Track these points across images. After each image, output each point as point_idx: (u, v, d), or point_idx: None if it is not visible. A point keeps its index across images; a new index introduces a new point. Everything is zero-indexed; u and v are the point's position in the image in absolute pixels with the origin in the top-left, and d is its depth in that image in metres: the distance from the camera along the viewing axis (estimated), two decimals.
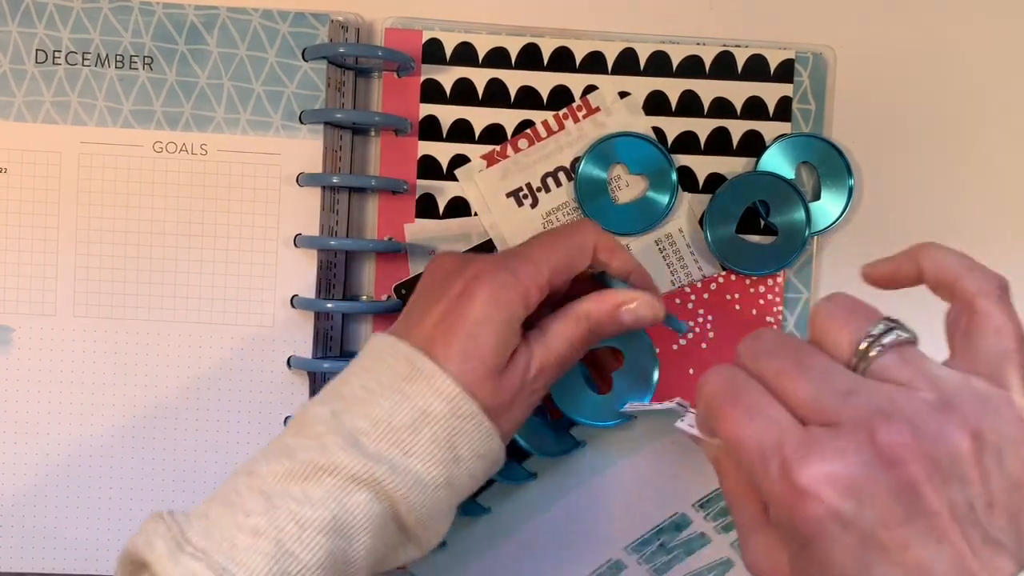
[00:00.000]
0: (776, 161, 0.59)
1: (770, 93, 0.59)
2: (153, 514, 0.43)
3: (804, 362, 0.37)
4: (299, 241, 0.57)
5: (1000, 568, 0.34)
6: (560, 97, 0.59)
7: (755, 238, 0.60)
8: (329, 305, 0.57)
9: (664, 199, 0.59)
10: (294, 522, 0.41)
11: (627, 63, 0.59)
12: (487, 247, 0.59)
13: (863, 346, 0.37)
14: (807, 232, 0.59)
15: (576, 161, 0.59)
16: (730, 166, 0.59)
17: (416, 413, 0.44)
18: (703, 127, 0.59)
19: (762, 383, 0.38)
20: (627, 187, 0.59)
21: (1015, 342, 0.38)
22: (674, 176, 0.59)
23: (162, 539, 0.41)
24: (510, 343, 0.46)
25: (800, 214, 0.58)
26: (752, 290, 0.60)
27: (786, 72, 0.59)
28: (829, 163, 0.59)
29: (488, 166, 0.59)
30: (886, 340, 0.37)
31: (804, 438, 0.36)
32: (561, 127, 0.59)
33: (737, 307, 0.60)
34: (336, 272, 0.59)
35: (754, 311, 0.60)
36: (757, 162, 0.59)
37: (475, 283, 0.46)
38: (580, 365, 0.51)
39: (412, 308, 0.48)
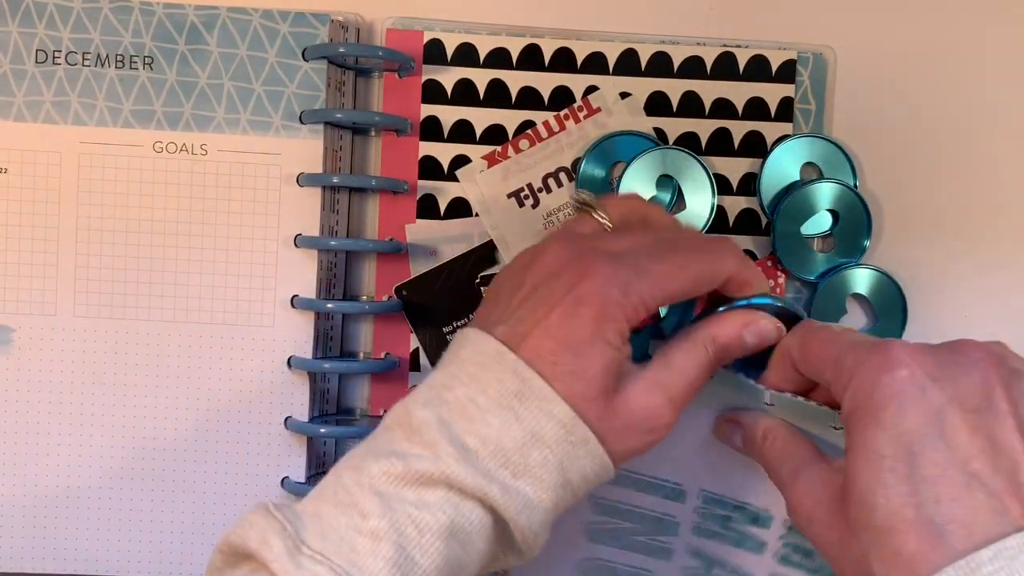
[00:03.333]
0: (782, 162, 0.59)
1: (772, 94, 0.59)
2: (258, 506, 0.41)
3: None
4: (299, 241, 0.57)
5: None
6: (561, 97, 0.59)
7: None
8: (329, 305, 0.57)
9: (666, 198, 0.59)
10: (413, 526, 0.39)
11: (628, 64, 0.59)
12: (488, 248, 0.59)
13: None
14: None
15: (577, 162, 0.59)
16: (731, 166, 0.59)
17: (527, 435, 0.42)
18: (704, 128, 0.59)
19: None
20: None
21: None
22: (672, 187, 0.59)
23: (279, 538, 0.39)
24: (615, 362, 0.43)
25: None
26: None
27: (788, 73, 0.59)
28: (833, 163, 0.59)
29: (489, 166, 0.59)
30: None
31: (897, 341, 0.41)
32: (562, 127, 0.59)
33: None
34: (336, 272, 0.59)
35: None
36: (763, 163, 0.59)
37: (582, 295, 0.43)
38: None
39: (515, 303, 0.45)
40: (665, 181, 0.59)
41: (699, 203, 0.59)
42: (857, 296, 0.60)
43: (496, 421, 0.41)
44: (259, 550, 0.39)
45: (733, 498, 0.52)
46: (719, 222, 0.59)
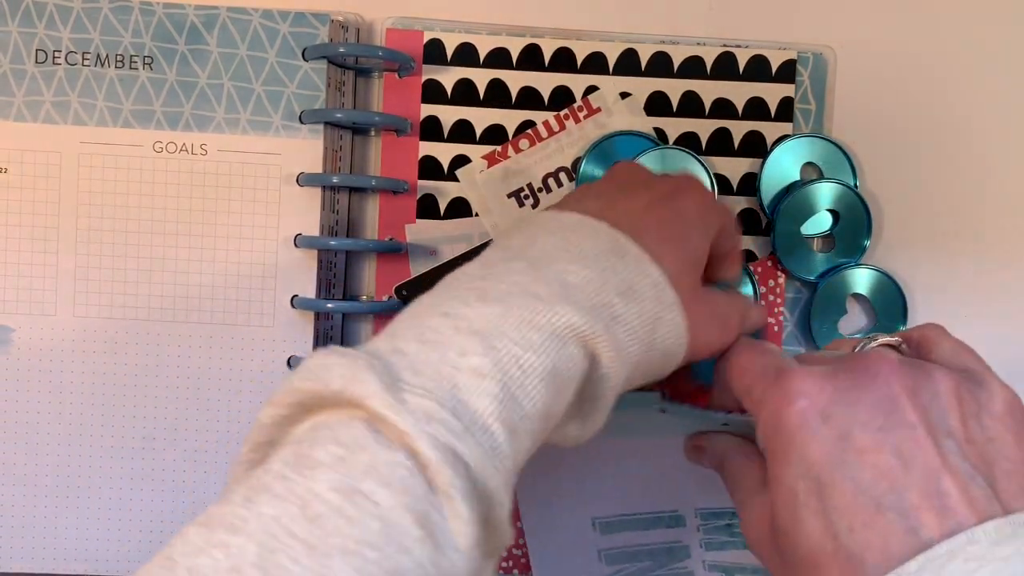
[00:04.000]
0: (782, 161, 0.59)
1: (772, 94, 0.59)
2: (321, 352, 0.36)
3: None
4: (299, 241, 0.57)
5: (976, 498, 0.35)
6: (561, 97, 0.59)
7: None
8: (329, 305, 0.57)
9: None
10: (517, 366, 0.36)
11: (628, 64, 0.59)
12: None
13: (856, 349, 0.41)
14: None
15: (577, 162, 0.59)
16: (731, 167, 0.59)
17: (626, 284, 0.40)
18: (704, 128, 0.59)
19: None
20: None
21: (971, 350, 0.42)
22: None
23: (371, 373, 0.34)
24: (705, 257, 0.44)
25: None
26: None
27: (788, 72, 0.59)
28: (833, 163, 0.59)
29: (489, 166, 0.59)
30: (876, 341, 0.41)
31: (802, 362, 0.41)
32: (562, 127, 0.59)
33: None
34: (336, 272, 0.59)
35: None
36: (763, 163, 0.59)
37: (690, 188, 0.45)
38: None
39: (604, 194, 0.44)
40: None
41: None
42: (857, 296, 0.60)
43: (595, 266, 0.40)
44: (348, 388, 0.34)
45: (727, 506, 0.52)
46: None
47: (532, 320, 0.37)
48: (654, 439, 0.51)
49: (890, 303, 0.59)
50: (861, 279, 0.59)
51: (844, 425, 0.37)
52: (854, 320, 0.60)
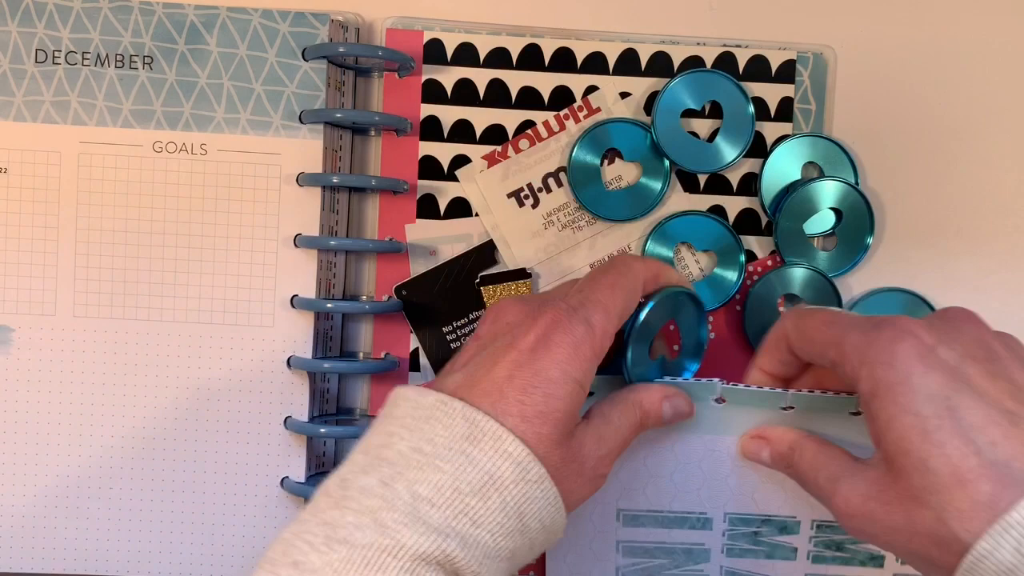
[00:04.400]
0: (783, 161, 0.59)
1: (772, 94, 0.59)
2: None
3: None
4: (299, 241, 0.57)
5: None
6: (561, 97, 0.59)
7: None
8: (329, 305, 0.57)
9: (657, 186, 0.59)
10: None
11: (628, 64, 0.59)
12: (488, 247, 0.59)
13: None
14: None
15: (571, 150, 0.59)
16: (734, 166, 0.59)
17: (484, 477, 0.39)
18: (704, 128, 0.59)
19: None
20: (620, 176, 0.59)
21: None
22: (667, 163, 0.59)
23: None
24: (580, 404, 0.43)
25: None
26: (749, 281, 0.60)
27: (787, 73, 0.59)
28: (834, 163, 0.59)
29: (489, 166, 0.59)
30: None
31: (891, 316, 0.43)
32: (562, 127, 0.59)
33: (738, 308, 0.60)
34: (336, 272, 0.59)
35: None
36: (764, 162, 0.59)
37: (551, 336, 0.42)
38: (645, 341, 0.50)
39: (471, 362, 0.44)
40: (659, 168, 0.59)
41: None
42: (790, 296, 0.60)
43: (448, 467, 0.39)
44: None
45: (758, 513, 0.52)
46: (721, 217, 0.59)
47: (379, 561, 0.37)
48: (709, 435, 0.51)
49: (826, 301, 0.60)
50: (795, 278, 0.59)
51: (956, 356, 0.40)
52: None
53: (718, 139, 0.59)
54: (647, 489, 0.52)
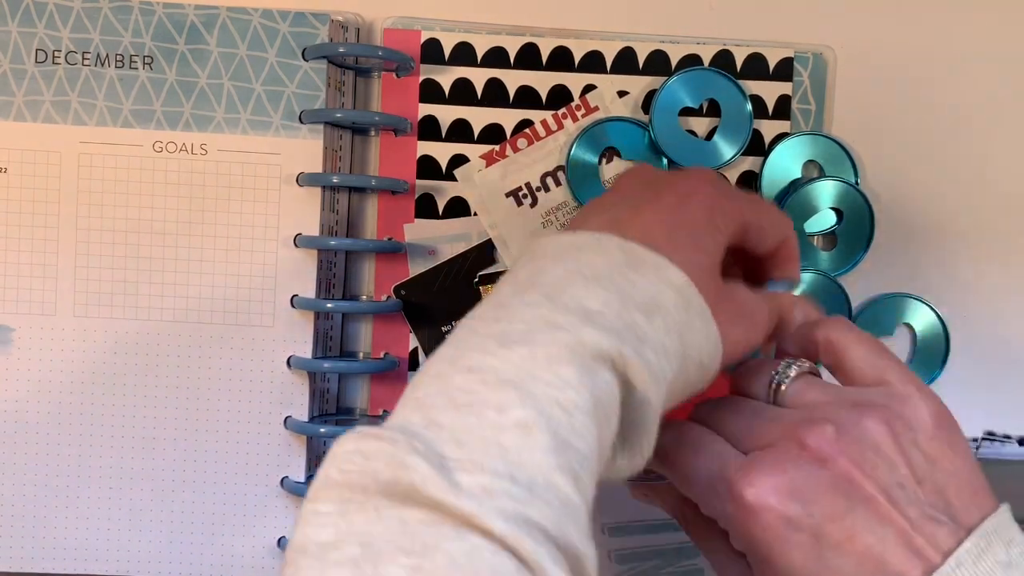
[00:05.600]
0: (783, 159, 0.59)
1: (769, 91, 0.59)
2: (351, 436, 0.33)
3: (737, 407, 0.42)
4: (299, 241, 0.57)
5: (942, 540, 0.37)
6: (559, 96, 0.59)
7: None
8: (329, 305, 0.57)
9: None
10: (560, 409, 0.34)
11: (626, 63, 0.59)
12: (487, 247, 0.59)
13: (773, 384, 0.42)
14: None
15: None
16: (733, 164, 0.59)
17: (647, 299, 0.37)
18: (702, 126, 0.59)
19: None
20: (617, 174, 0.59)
21: (883, 353, 0.42)
22: (665, 162, 0.59)
23: (419, 457, 0.31)
24: (723, 254, 0.42)
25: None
26: None
27: (785, 70, 0.59)
28: (834, 162, 0.59)
29: (487, 166, 0.59)
30: (791, 372, 0.41)
31: (744, 460, 0.39)
32: (560, 127, 0.59)
33: None
34: (336, 272, 0.59)
35: None
36: (765, 160, 0.59)
37: (694, 194, 0.42)
38: None
39: (612, 208, 0.42)
40: (656, 166, 0.59)
41: None
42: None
43: (612, 286, 0.37)
44: (398, 476, 0.31)
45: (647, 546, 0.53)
46: None
47: (561, 355, 0.34)
48: None
49: (837, 307, 0.60)
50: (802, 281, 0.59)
51: (814, 524, 0.37)
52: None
53: (716, 137, 0.59)
54: (626, 504, 0.52)
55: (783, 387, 0.41)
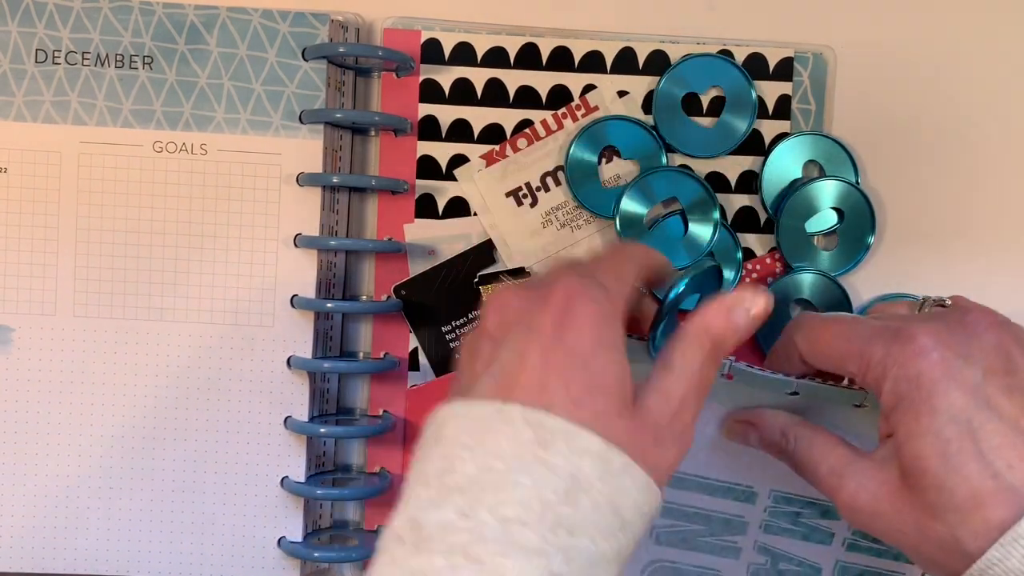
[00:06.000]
0: (784, 159, 0.59)
1: (769, 91, 0.59)
2: None
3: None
4: (299, 241, 0.57)
5: None
6: (559, 96, 0.59)
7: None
8: (329, 305, 0.57)
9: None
10: None
11: (626, 62, 0.59)
12: (487, 247, 0.59)
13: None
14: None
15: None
16: (729, 164, 0.59)
17: (568, 481, 0.35)
18: (706, 119, 0.59)
19: None
20: (617, 175, 0.59)
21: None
22: (664, 159, 0.59)
23: None
24: (624, 369, 0.39)
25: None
26: (749, 279, 0.60)
27: (785, 70, 0.59)
28: (835, 161, 0.59)
29: (487, 166, 0.59)
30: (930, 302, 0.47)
31: (907, 321, 0.43)
32: (560, 126, 0.59)
33: None
34: (336, 272, 0.59)
35: None
36: (765, 160, 0.59)
37: (571, 308, 0.39)
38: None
39: (495, 361, 0.39)
40: (657, 165, 0.59)
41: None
42: (801, 301, 0.60)
43: (527, 479, 0.35)
44: None
45: (804, 495, 0.52)
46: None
47: None
48: (725, 407, 0.50)
49: (839, 308, 0.60)
50: (803, 283, 0.59)
51: (977, 372, 0.40)
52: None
53: (720, 121, 0.59)
54: (698, 454, 0.50)
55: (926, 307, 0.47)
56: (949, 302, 0.46)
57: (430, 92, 0.59)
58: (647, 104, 0.59)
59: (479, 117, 0.59)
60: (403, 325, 0.59)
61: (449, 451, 0.37)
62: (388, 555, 0.36)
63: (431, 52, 0.59)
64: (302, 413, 0.57)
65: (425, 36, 0.59)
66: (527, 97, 0.59)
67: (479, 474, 0.36)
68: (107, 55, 0.57)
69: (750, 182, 0.59)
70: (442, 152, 0.59)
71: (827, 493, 0.45)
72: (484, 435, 0.36)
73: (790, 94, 0.59)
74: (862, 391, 0.47)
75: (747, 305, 0.42)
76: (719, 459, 0.51)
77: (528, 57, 0.59)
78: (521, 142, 0.59)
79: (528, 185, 0.59)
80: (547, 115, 0.59)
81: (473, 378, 0.40)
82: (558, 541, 0.35)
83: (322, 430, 0.57)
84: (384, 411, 0.60)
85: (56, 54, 0.57)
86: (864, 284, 0.60)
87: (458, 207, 0.59)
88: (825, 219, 0.59)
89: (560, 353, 0.38)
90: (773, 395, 0.49)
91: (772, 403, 0.49)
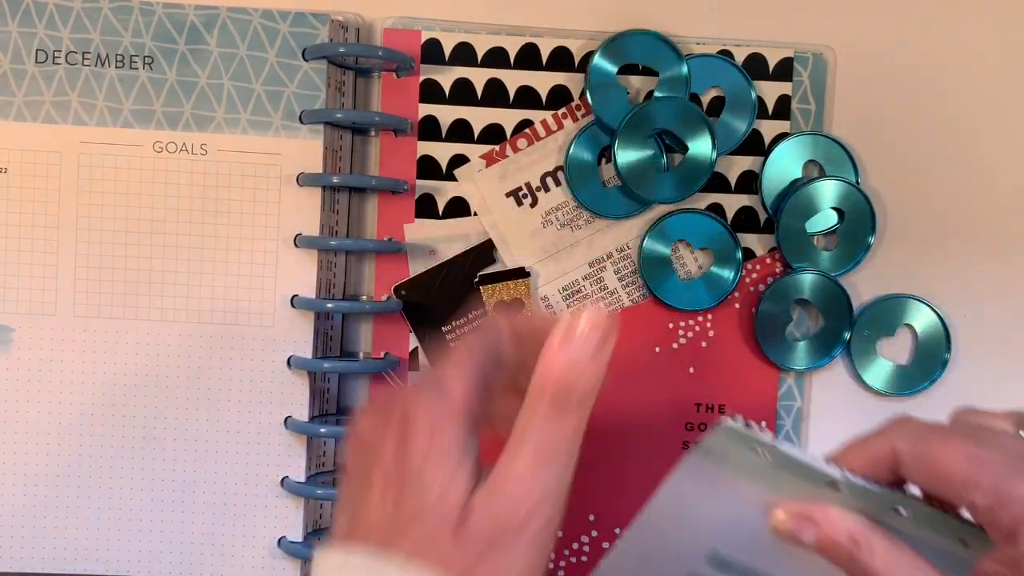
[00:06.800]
0: (784, 159, 0.59)
1: (769, 91, 0.59)
2: None
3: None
4: (299, 241, 0.57)
5: None
6: (559, 96, 0.59)
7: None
8: (329, 305, 0.57)
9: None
10: None
11: None
12: (487, 247, 0.59)
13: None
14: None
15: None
16: (729, 164, 0.59)
17: None
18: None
19: None
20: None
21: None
22: (663, 160, 0.59)
23: None
24: (459, 472, 0.37)
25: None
26: (749, 279, 0.60)
27: (784, 70, 0.59)
28: (835, 162, 0.59)
29: (487, 166, 0.59)
30: None
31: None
32: (560, 127, 0.59)
33: (737, 306, 0.60)
34: (336, 272, 0.59)
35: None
36: (765, 160, 0.59)
37: (407, 430, 0.38)
38: None
39: (348, 500, 0.40)
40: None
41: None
42: (801, 302, 0.60)
43: None
44: None
45: None
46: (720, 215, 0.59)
47: None
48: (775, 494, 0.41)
49: (839, 308, 0.59)
50: (804, 284, 0.59)
51: None
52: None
53: (720, 121, 0.59)
54: (748, 540, 0.42)
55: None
56: None
57: (430, 92, 0.59)
58: None
59: (479, 117, 0.59)
60: (403, 325, 0.59)
61: None
62: None
63: (431, 52, 0.59)
64: (302, 413, 0.57)
65: (425, 36, 0.59)
66: (527, 97, 0.59)
67: None
68: (107, 55, 0.57)
69: (750, 182, 0.60)
70: (442, 152, 0.59)
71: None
72: None
73: (790, 94, 0.59)
74: (978, 527, 0.39)
75: (579, 328, 0.38)
76: (770, 549, 0.42)
77: (528, 57, 0.59)
78: (521, 142, 0.59)
79: (528, 185, 0.59)
80: (547, 115, 0.59)
81: (338, 515, 0.40)
82: None
83: (322, 430, 0.57)
84: None
85: (56, 54, 0.57)
86: (864, 284, 0.60)
87: (458, 207, 0.59)
88: (825, 219, 0.59)
89: (397, 474, 0.37)
90: (877, 508, 0.40)
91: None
